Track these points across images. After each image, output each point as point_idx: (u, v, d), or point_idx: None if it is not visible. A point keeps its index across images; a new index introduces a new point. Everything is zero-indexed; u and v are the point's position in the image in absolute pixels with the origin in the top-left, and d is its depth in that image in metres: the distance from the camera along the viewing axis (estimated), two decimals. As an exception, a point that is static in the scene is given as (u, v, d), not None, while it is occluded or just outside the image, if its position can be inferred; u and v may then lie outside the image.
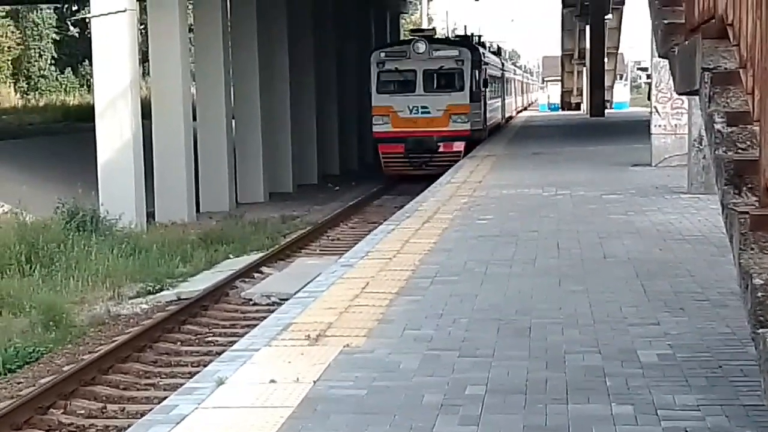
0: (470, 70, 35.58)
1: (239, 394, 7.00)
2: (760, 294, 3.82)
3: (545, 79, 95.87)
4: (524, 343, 8.22)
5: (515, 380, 7.20)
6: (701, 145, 16.74)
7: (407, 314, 9.33)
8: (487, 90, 41.41)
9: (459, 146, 34.43)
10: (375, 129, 36.45)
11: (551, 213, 16.30)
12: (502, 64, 56.11)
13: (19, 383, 13.00)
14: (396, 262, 11.94)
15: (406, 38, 36.12)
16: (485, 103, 39.70)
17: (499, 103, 50.91)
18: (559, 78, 79.49)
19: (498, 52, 55.31)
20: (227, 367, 7.66)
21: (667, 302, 9.62)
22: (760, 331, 3.77)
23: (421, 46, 34.59)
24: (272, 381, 7.25)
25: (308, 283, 11.74)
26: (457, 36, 59.91)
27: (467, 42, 44.03)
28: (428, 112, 34.73)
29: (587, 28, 63.12)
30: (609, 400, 6.71)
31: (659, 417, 6.35)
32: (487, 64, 41.19)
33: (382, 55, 36.27)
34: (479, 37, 47.83)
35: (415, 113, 34.83)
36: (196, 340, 14.82)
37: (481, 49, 41.45)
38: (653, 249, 12.63)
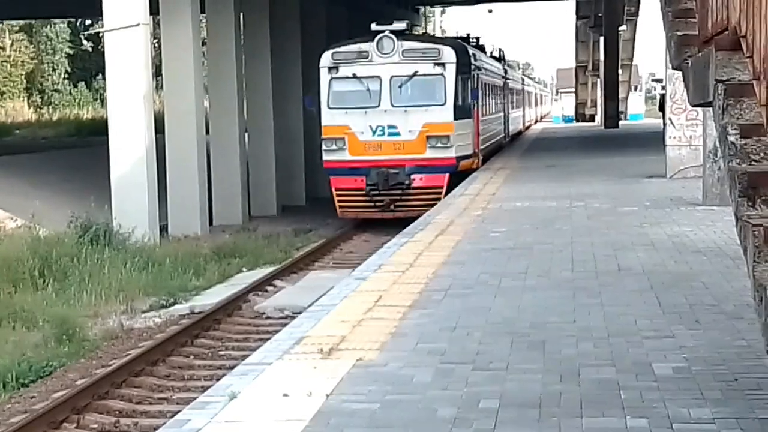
0: (455, 77, 25.90)
1: (252, 408, 7.00)
2: (775, 307, 3.82)
3: (559, 90, 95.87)
4: (538, 357, 8.21)
5: (529, 394, 7.19)
6: (716, 156, 16.68)
7: (420, 327, 9.32)
8: (482, 103, 31.52)
9: (439, 180, 24.90)
10: (326, 157, 26.39)
11: (565, 225, 16.28)
12: (506, 71, 46.30)
13: (32, 397, 13.03)
14: (409, 275, 11.93)
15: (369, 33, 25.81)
16: (478, 120, 29.30)
17: (500, 119, 40.72)
18: (573, 90, 79.46)
19: (500, 58, 46.18)
20: (240, 381, 7.67)
21: (682, 315, 9.60)
22: (776, 344, 3.77)
23: (388, 44, 24.95)
24: (285, 395, 7.25)
25: (321, 296, 11.74)
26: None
27: (452, 40, 33.00)
28: (397, 134, 24.97)
29: (601, 39, 63.06)
30: (623, 413, 6.70)
31: (674, 430, 6.35)
32: (480, 69, 31.24)
33: (336, 56, 26.19)
34: (477, 39, 37.53)
35: (379, 135, 24.96)
36: (209, 354, 14.83)
37: (472, 50, 30.97)
38: (668, 261, 12.60)
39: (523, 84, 63.00)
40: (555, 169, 28.80)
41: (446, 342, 8.75)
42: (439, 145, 24.65)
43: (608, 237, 14.80)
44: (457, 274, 11.96)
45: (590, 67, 71.54)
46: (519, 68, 61.65)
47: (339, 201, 25.93)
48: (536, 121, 75.48)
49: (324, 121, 25.84)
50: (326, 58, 25.92)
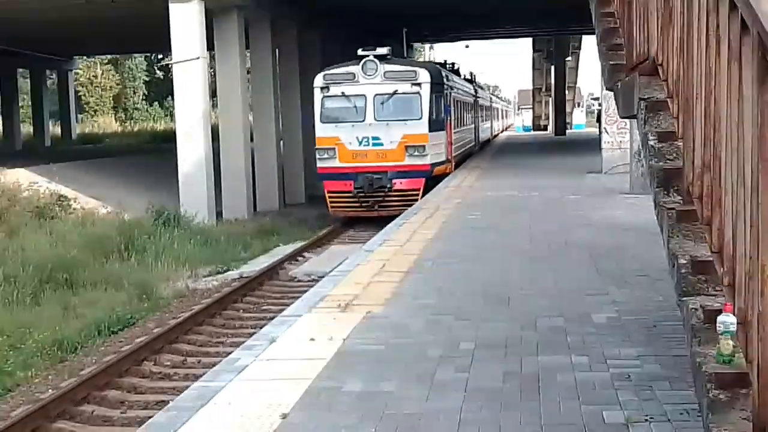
0: (430, 95, 23.93)
1: (287, 350, 7.04)
2: (683, 270, 3.84)
3: (520, 106, 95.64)
4: (505, 310, 8.25)
5: (497, 338, 7.22)
6: (640, 157, 16.65)
7: (415, 288, 9.36)
8: (454, 116, 29.60)
9: (417, 183, 22.97)
10: (319, 164, 24.35)
11: (525, 210, 16.28)
12: (476, 91, 42.85)
13: (120, 342, 13.15)
14: (406, 248, 11.96)
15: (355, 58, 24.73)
16: (450, 132, 27.38)
17: (471, 130, 38.27)
18: (531, 106, 79.42)
19: (472, 80, 42.94)
20: (278, 329, 7.70)
21: (614, 277, 9.63)
22: (684, 299, 3.79)
23: (372, 67, 23.19)
24: (312, 339, 7.29)
25: (339, 264, 11.75)
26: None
27: (427, 63, 32.54)
28: (380, 144, 23.16)
29: (552, 68, 62.96)
30: (570, 352, 6.74)
31: (608, 365, 6.38)
32: (452, 88, 29.10)
33: (327, 77, 24.28)
34: (452, 64, 35.73)
35: (365, 145, 23.18)
36: (254, 308, 14.93)
37: (444, 72, 28.91)
38: (603, 237, 12.63)
39: (491, 101, 59.10)
40: (517, 167, 28.73)
41: (434, 299, 8.78)
42: (416, 153, 22.76)
43: (558, 218, 14.81)
44: (442, 247, 11.99)
45: (544, 88, 71.39)
46: (489, 89, 60.05)
47: (330, 201, 24.07)
48: (503, 131, 74.99)
49: (318, 133, 23.93)
50: (318, 79, 24.01)
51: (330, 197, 23.84)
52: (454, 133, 28.54)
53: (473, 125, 39.27)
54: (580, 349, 6.77)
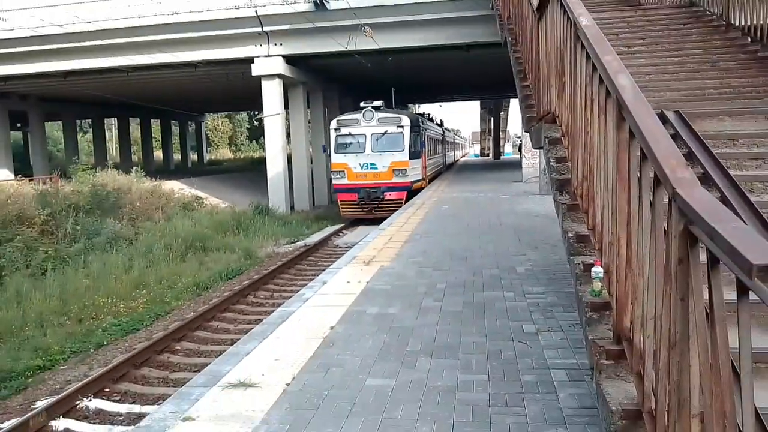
0: (410, 133, 22.24)
1: (333, 288, 7.07)
2: (571, 240, 3.85)
3: (473, 142, 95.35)
4: (463, 264, 8.28)
5: (459, 281, 7.25)
6: (545, 172, 16.65)
7: (410, 251, 9.36)
8: (427, 148, 26.94)
9: (401, 195, 21.42)
10: (334, 182, 22.46)
11: (476, 204, 16.26)
12: (443, 132, 38.91)
13: (233, 284, 13.17)
14: (404, 227, 11.97)
15: (359, 108, 23.23)
16: (425, 159, 25.20)
17: (440, 157, 35.43)
18: (479, 141, 79.27)
19: (441, 124, 39.08)
20: (327, 276, 7.74)
21: (529, 245, 9.63)
22: (571, 257, 3.80)
23: (369, 115, 21.65)
24: (348, 282, 7.32)
25: (364, 237, 11.78)
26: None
27: (409, 112, 28.83)
28: (375, 168, 21.56)
29: (492, 118, 62.75)
30: (503, 289, 6.75)
31: (526, 297, 6.39)
32: (426, 129, 26.82)
33: (338, 122, 22.59)
34: (428, 114, 33.82)
35: (365, 169, 21.63)
36: (314, 263, 14.91)
37: (421, 119, 26.54)
38: (523, 220, 12.61)
39: (454, 138, 56.91)
40: (471, 178, 28.65)
41: (421, 257, 8.81)
42: (400, 174, 20.92)
43: (495, 209, 14.78)
44: (426, 227, 12.01)
45: (487, 130, 70.98)
46: (453, 131, 59.54)
47: (342, 207, 21.79)
48: (462, 156, 74.56)
49: (333, 160, 21.97)
50: (333, 123, 22.16)
51: (342, 205, 21.82)
52: (428, 159, 26.46)
53: (442, 153, 36.90)
54: (509, 288, 6.80)
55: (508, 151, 71.40)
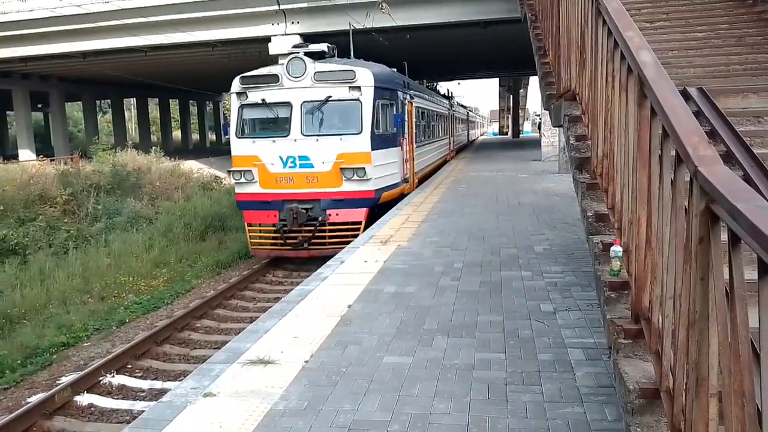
0: (373, 102, 11.96)
1: (351, 267, 7.12)
2: (590, 219, 3.82)
3: (491, 120, 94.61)
4: (481, 244, 8.27)
5: (476, 260, 7.25)
6: (565, 150, 16.50)
7: (426, 231, 9.37)
8: (419, 130, 17.15)
9: (357, 215, 11.82)
10: (237, 189, 12.44)
11: (494, 183, 16.18)
12: (451, 105, 28.81)
13: (253, 263, 13.23)
14: (421, 207, 11.96)
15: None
16: (410, 147, 15.30)
17: (444, 141, 24.67)
18: (498, 120, 78.58)
19: (449, 96, 30.07)
20: (345, 255, 7.79)
21: (547, 224, 9.59)
22: (590, 236, 3.77)
23: (300, 67, 11.78)
24: (365, 261, 7.37)
25: (381, 217, 11.81)
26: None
27: (377, 65, 13.95)
28: (310, 165, 11.80)
29: (511, 96, 62.08)
30: (520, 269, 6.75)
31: (543, 276, 6.38)
32: (413, 96, 16.43)
33: (245, 81, 12.38)
34: (432, 84, 22.33)
35: (291, 167, 11.84)
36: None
37: (403, 78, 15.63)
38: (542, 199, 12.54)
39: (468, 116, 45.32)
40: (489, 157, 28.49)
41: (438, 237, 8.81)
42: (355, 177, 11.92)
43: (513, 188, 14.70)
44: (443, 207, 11.99)
45: (506, 109, 70.41)
46: (471, 108, 55.39)
47: (251, 236, 12.46)
48: (480, 135, 73.83)
49: (233, 151, 12.43)
50: (236, 84, 12.50)
51: (250, 231, 12.36)
52: (419, 147, 16.75)
53: (448, 135, 26.62)
54: (527, 267, 6.79)
55: (527, 129, 70.85)
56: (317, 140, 11.79)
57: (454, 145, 30.01)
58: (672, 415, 2.21)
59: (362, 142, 11.91)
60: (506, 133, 71.10)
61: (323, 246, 11.69)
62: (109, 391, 7.04)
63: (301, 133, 11.82)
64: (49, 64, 28.20)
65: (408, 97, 15.03)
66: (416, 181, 16.06)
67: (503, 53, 31.57)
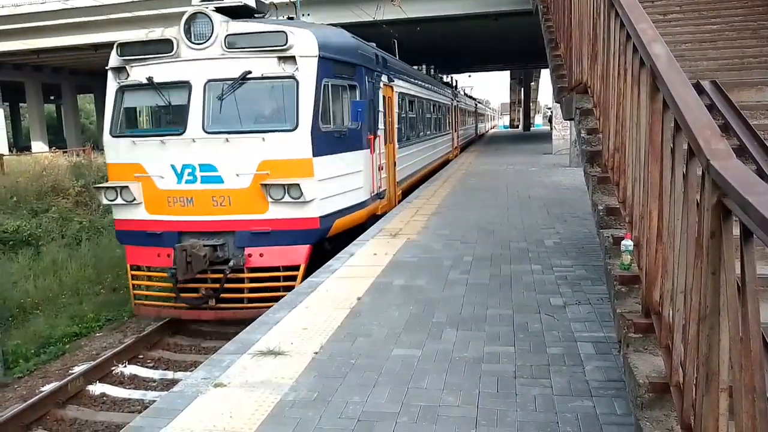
0: (317, 80, 6.82)
1: (360, 260, 7.12)
2: (601, 213, 3.80)
3: (502, 113, 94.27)
4: (491, 237, 8.24)
5: (486, 254, 7.24)
6: (576, 144, 16.42)
7: (436, 224, 9.34)
8: (407, 124, 12.68)
9: (293, 255, 6.92)
10: (115, 214, 7.38)
11: (504, 176, 16.11)
12: (455, 95, 24.52)
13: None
14: (431, 201, 11.93)
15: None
16: (392, 150, 10.67)
17: (445, 137, 20.53)
18: (509, 113, 78.23)
19: (451, 85, 25.60)
20: (355, 248, 7.78)
21: (558, 218, 9.55)
22: (601, 230, 3.76)
23: (204, 26, 6.55)
24: (374, 254, 7.35)
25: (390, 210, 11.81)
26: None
27: (320, 25, 8.57)
28: (218, 179, 6.76)
29: (522, 89, 61.75)
30: (530, 263, 6.73)
31: (553, 270, 6.36)
32: (390, 76, 10.54)
33: (126, 50, 7.16)
34: (432, 68, 19.86)
35: (189, 181, 6.76)
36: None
37: (370, 49, 9.49)
38: (552, 193, 12.48)
39: (476, 108, 39.59)
40: (499, 150, 28.35)
41: (448, 230, 8.79)
42: (287, 198, 6.95)
43: (523, 182, 14.64)
44: (453, 200, 11.95)
45: (517, 101, 70.14)
46: (479, 100, 50.56)
47: (134, 286, 7.75)
48: (491, 128, 73.45)
49: (107, 157, 7.76)
50: (113, 57, 7.58)
51: (133, 279, 7.89)
52: (406, 147, 12.81)
53: (451, 131, 22.55)
54: (537, 261, 6.77)
55: (539, 122, 70.50)
56: (228, 140, 7.14)
57: (459, 141, 25.65)
58: (682, 410, 2.21)
59: (298, 143, 7.22)
60: (517, 126, 70.79)
61: (240, 304, 7.28)
62: (121, 381, 7.12)
63: (204, 130, 7.22)
64: (61, 57, 28.40)
65: (385, 79, 10.56)
66: (399, 193, 11.79)
67: (514, 46, 31.42)
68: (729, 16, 6.21)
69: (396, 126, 11.66)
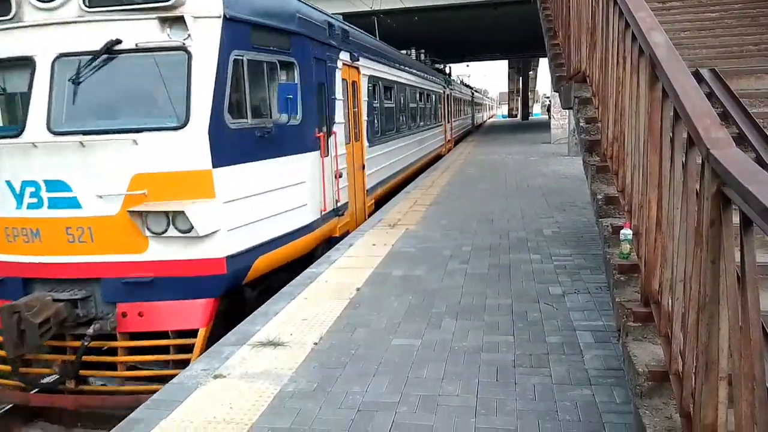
0: (219, 52, 4.19)
1: (359, 250, 7.12)
2: (600, 202, 3.80)
3: (500, 102, 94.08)
4: (489, 227, 8.25)
5: (485, 244, 7.24)
6: (575, 133, 16.39)
7: (435, 214, 9.35)
8: (381, 117, 10.11)
9: (189, 315, 4.11)
10: None
11: (502, 166, 16.08)
12: (447, 83, 22.09)
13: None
14: (429, 191, 11.93)
15: None
16: (359, 149, 8.25)
17: (435, 132, 18.29)
18: (507, 102, 78.08)
19: (444, 72, 23.98)
20: (353, 239, 7.78)
21: (557, 207, 9.55)
22: (600, 219, 3.75)
23: None
24: (373, 245, 7.36)
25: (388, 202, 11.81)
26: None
27: None
28: (73, 202, 3.90)
29: (520, 78, 61.59)
30: (529, 252, 6.74)
31: (552, 260, 6.37)
32: (355, 54, 7.82)
33: None
34: (421, 52, 17.69)
35: (33, 205, 3.90)
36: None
37: (321, 16, 6.58)
38: (551, 182, 12.47)
39: (473, 97, 37.58)
40: (498, 139, 28.30)
41: (446, 220, 8.79)
42: (172, 232, 4.22)
43: (522, 171, 14.62)
44: (451, 189, 11.94)
45: (515, 91, 70.01)
46: (476, 89, 47.30)
47: None
48: (489, 118, 73.28)
49: None
50: None
51: None
52: (380, 144, 10.64)
53: (441, 123, 20.05)
54: (536, 250, 6.77)
55: (537, 111, 70.36)
56: (83, 145, 4.81)
57: (453, 134, 22.96)
58: (681, 398, 2.21)
59: (190, 146, 4.91)
60: (515, 116, 70.74)
61: (110, 386, 5.02)
62: (121, 373, 7.13)
63: (50, 130, 4.89)
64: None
65: (346, 57, 8.19)
66: (372, 203, 9.85)
67: (513, 35, 31.29)
68: (728, 4, 6.18)
69: (365, 119, 9.21)
